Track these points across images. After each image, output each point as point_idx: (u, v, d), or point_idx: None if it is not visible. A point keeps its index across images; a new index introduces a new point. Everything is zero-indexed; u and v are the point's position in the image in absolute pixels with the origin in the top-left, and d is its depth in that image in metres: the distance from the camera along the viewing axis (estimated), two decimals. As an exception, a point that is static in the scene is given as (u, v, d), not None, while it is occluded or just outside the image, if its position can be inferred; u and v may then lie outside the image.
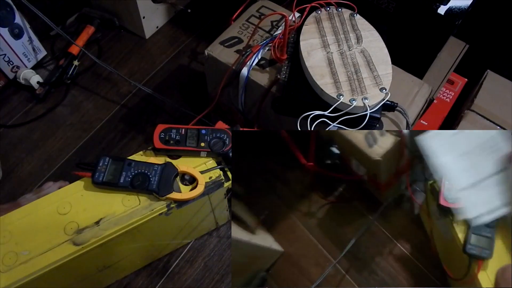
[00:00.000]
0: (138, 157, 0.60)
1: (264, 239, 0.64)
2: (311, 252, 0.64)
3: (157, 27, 1.10)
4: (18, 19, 0.89)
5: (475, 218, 0.47)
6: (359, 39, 0.63)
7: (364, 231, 0.63)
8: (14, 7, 0.87)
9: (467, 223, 0.49)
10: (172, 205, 0.57)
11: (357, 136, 0.54)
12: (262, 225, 0.66)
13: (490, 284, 0.47)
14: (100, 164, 0.56)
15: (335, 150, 0.61)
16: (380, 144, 0.53)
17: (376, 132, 0.54)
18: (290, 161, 0.66)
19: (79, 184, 0.57)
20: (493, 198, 0.48)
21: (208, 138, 0.60)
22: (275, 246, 0.64)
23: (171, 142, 0.60)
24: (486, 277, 0.47)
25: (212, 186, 0.59)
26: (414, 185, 0.61)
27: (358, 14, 0.66)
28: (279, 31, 0.70)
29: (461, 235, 0.49)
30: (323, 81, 0.58)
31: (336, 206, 0.67)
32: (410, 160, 0.58)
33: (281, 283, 0.63)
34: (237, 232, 0.57)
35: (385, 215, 0.64)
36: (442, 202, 0.51)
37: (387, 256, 0.62)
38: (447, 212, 0.51)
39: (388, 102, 0.59)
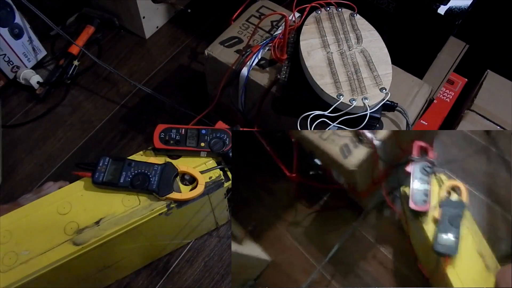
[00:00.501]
0: (138, 157, 0.60)
1: (252, 249, 0.66)
2: (298, 260, 0.66)
3: (157, 27, 1.10)
4: (18, 19, 0.89)
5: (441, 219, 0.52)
6: (359, 39, 0.63)
7: (348, 237, 0.66)
8: (14, 7, 0.87)
9: (434, 223, 0.53)
10: (172, 205, 0.57)
11: (332, 148, 0.58)
12: (250, 235, 0.68)
13: (457, 279, 0.50)
14: (100, 164, 0.56)
15: (317, 161, 0.64)
16: (354, 155, 0.56)
17: (350, 144, 0.57)
18: (275, 172, 0.69)
19: (79, 184, 0.57)
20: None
21: (208, 138, 0.60)
22: (263, 255, 0.65)
23: (171, 142, 0.60)
24: (454, 272, 0.51)
25: (212, 186, 0.59)
26: (394, 192, 0.65)
27: (358, 14, 0.66)
28: (279, 31, 0.70)
29: (430, 235, 0.53)
30: (323, 81, 0.58)
31: (321, 214, 0.70)
32: (386, 169, 0.62)
33: None
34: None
35: (368, 221, 0.67)
36: (411, 205, 0.54)
37: (371, 260, 0.65)
38: (417, 215, 0.55)
39: (388, 102, 0.59)
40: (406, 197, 0.56)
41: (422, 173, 0.56)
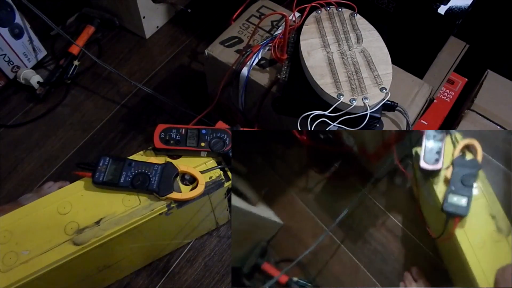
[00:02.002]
0: (138, 157, 0.60)
1: (265, 211, 0.67)
2: (309, 225, 0.67)
3: (157, 27, 1.10)
4: (18, 19, 0.89)
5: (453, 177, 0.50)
6: (359, 39, 0.63)
7: (357, 203, 0.66)
8: (14, 7, 0.87)
9: (445, 184, 0.51)
10: (172, 205, 0.57)
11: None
12: (263, 199, 0.70)
13: (466, 240, 0.49)
14: (100, 164, 0.56)
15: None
16: None
17: None
18: (287, 139, 0.70)
19: (79, 184, 0.57)
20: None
21: (208, 138, 0.60)
22: (276, 218, 0.67)
23: (171, 142, 0.60)
24: (463, 233, 0.49)
25: (212, 186, 0.59)
26: (406, 159, 0.62)
27: (358, 14, 0.66)
28: (279, 31, 0.70)
29: (440, 196, 0.51)
30: (323, 81, 0.58)
31: (332, 181, 0.70)
32: (397, 132, 0.60)
33: (281, 253, 0.66)
34: (238, 202, 0.59)
35: (378, 188, 0.67)
36: (422, 164, 0.52)
37: (380, 227, 0.65)
38: (428, 175, 0.53)
39: (388, 102, 0.59)
40: (417, 158, 0.53)
41: (436, 131, 0.53)
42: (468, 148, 0.52)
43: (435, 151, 0.52)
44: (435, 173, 0.52)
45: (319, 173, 0.71)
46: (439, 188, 0.52)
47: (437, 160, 0.51)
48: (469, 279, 0.49)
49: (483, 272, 0.48)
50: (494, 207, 0.50)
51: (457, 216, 0.49)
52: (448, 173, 0.51)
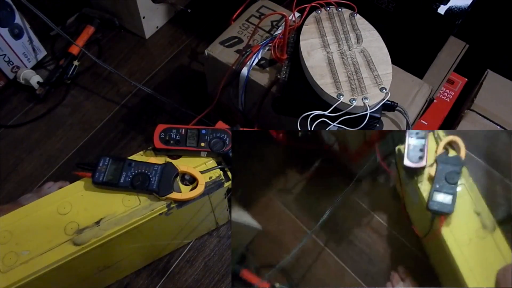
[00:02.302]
0: (138, 157, 0.60)
1: (241, 216, 0.64)
2: (289, 228, 0.65)
3: (157, 27, 1.10)
4: (18, 19, 0.89)
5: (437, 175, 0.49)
6: (359, 39, 0.63)
7: (340, 203, 0.65)
8: (14, 7, 0.87)
9: (430, 182, 0.51)
10: (172, 205, 0.57)
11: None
12: (238, 202, 0.67)
13: (452, 238, 0.49)
14: (100, 164, 0.56)
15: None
16: None
17: None
18: (263, 137, 0.67)
19: (79, 184, 0.57)
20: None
21: (208, 138, 0.60)
22: (253, 223, 0.64)
23: (171, 142, 0.60)
24: (449, 231, 0.49)
25: (212, 186, 0.59)
26: (389, 157, 0.61)
27: (358, 14, 0.66)
28: (279, 31, 0.70)
29: (425, 194, 0.51)
30: (323, 81, 0.58)
31: (312, 181, 0.67)
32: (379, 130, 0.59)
33: (260, 258, 0.64)
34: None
35: (361, 188, 0.66)
36: (406, 163, 0.51)
37: (365, 227, 0.64)
38: (412, 173, 0.52)
39: (388, 102, 0.59)
40: (401, 156, 0.53)
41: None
42: (450, 145, 0.52)
43: (419, 148, 0.52)
44: (419, 171, 0.52)
45: (298, 172, 0.68)
46: (424, 187, 0.51)
47: (421, 158, 0.51)
48: (456, 277, 0.49)
49: (470, 269, 0.48)
50: (478, 204, 0.50)
51: (442, 214, 0.49)
52: (432, 170, 0.51)
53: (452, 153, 0.52)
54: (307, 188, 0.68)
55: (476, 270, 0.48)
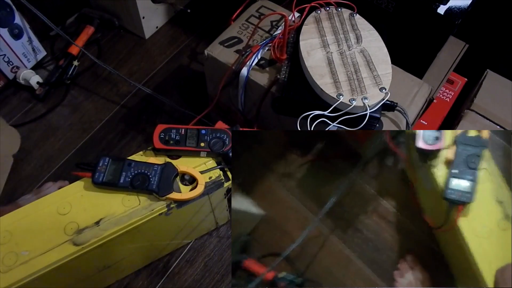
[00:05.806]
0: (138, 157, 0.60)
1: (242, 203, 0.62)
2: (294, 214, 0.62)
3: (157, 27, 1.10)
4: (18, 19, 0.89)
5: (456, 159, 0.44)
6: (358, 39, 0.63)
7: (346, 188, 0.60)
8: (14, 7, 0.87)
9: (447, 166, 0.45)
10: (172, 205, 0.57)
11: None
12: (239, 189, 0.64)
13: (470, 230, 0.44)
14: (100, 164, 0.56)
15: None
16: None
17: None
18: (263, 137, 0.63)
19: (79, 184, 0.57)
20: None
21: (208, 138, 0.60)
22: (255, 209, 0.62)
23: (171, 142, 0.60)
24: (466, 223, 0.44)
25: (212, 186, 0.59)
26: (398, 136, 0.56)
27: (357, 14, 0.66)
28: (278, 31, 0.70)
29: (441, 181, 0.46)
30: (323, 81, 0.58)
31: (317, 165, 0.63)
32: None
33: (265, 246, 0.61)
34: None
35: (368, 171, 0.62)
36: (419, 144, 0.46)
37: (372, 213, 0.60)
38: (425, 156, 0.47)
39: (387, 102, 0.59)
40: (413, 136, 0.47)
41: None
42: None
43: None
44: (434, 154, 0.46)
45: (301, 156, 0.63)
46: (439, 172, 0.46)
47: (437, 139, 0.45)
48: (473, 273, 0.44)
49: (490, 264, 0.43)
50: (500, 191, 0.44)
51: (460, 204, 0.44)
52: (450, 153, 0.45)
53: (472, 132, 0.45)
54: (310, 172, 0.63)
55: (496, 266, 0.43)
